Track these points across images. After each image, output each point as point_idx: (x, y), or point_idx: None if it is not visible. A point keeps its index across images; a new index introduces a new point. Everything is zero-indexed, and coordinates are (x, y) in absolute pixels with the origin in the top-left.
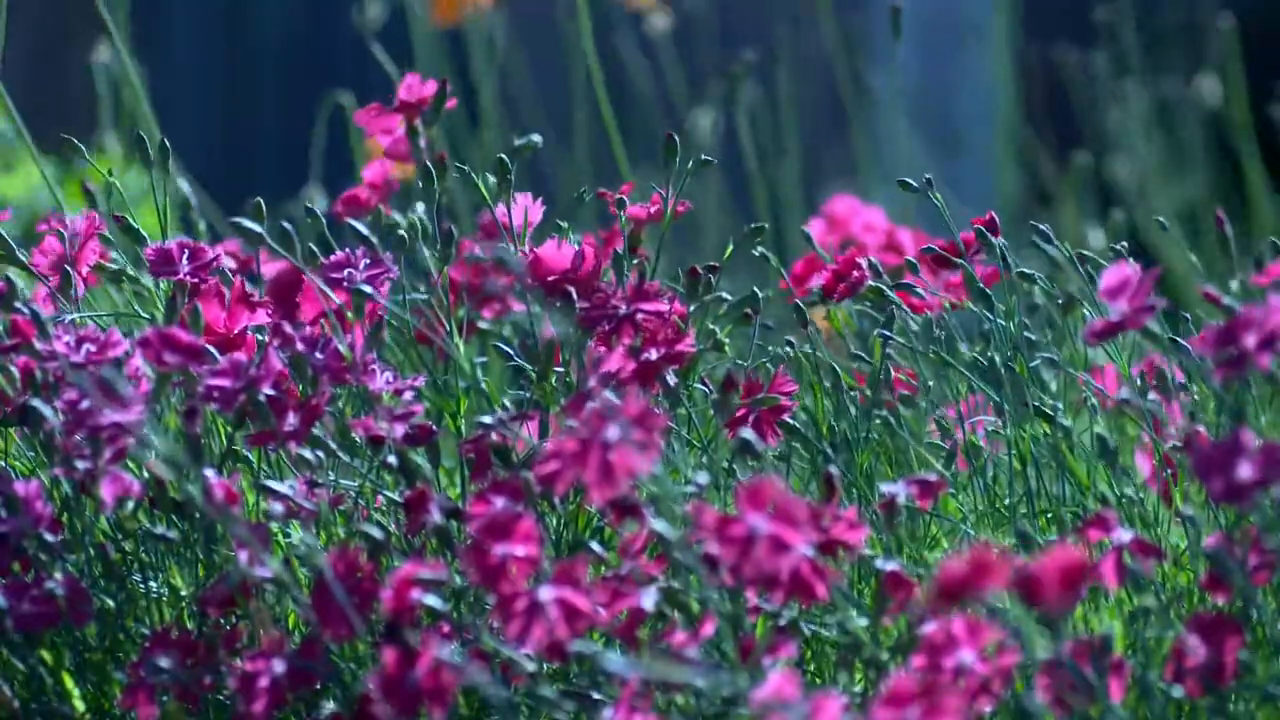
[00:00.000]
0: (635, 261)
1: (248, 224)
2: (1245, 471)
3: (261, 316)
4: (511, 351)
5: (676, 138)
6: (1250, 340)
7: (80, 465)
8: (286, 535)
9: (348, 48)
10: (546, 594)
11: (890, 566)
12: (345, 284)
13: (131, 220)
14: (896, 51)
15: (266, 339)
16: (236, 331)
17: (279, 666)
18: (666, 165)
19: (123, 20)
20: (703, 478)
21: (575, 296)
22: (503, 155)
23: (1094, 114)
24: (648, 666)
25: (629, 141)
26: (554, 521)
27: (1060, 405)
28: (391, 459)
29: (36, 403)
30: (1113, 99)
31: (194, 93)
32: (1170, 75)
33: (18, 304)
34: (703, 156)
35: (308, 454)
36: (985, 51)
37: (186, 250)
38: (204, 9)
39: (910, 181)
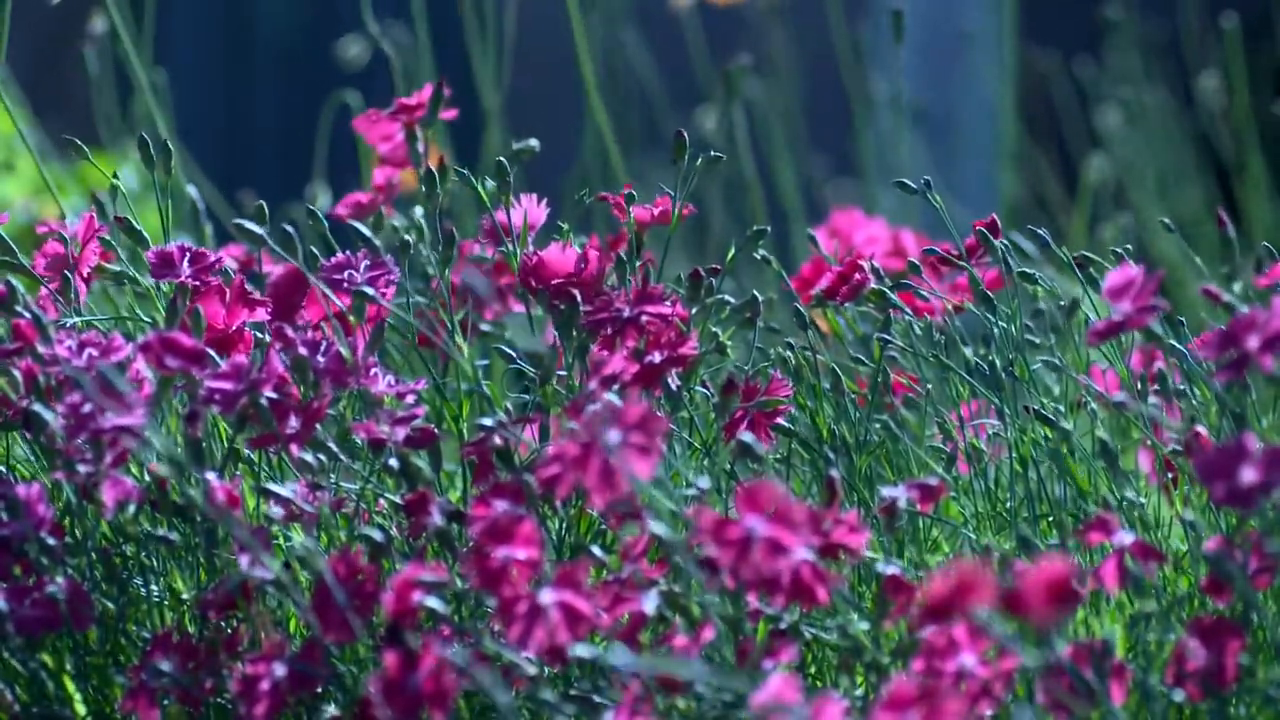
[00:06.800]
0: (639, 264)
1: (250, 226)
2: (1248, 475)
3: (261, 314)
4: (514, 354)
5: (685, 135)
6: (1253, 342)
7: (82, 469)
8: (288, 539)
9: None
10: (548, 597)
11: (891, 570)
12: (346, 285)
13: (134, 222)
14: (896, 54)
15: (268, 340)
16: (235, 327)
17: (280, 670)
18: (675, 164)
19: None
20: (704, 481)
21: (579, 299)
22: (502, 159)
23: (1091, 119)
24: (654, 664)
25: (635, 140)
26: (555, 525)
27: (1062, 408)
28: (393, 462)
29: (38, 407)
30: (1110, 105)
31: (195, 92)
32: (1169, 80)
33: (19, 308)
34: (712, 153)
35: (309, 457)
36: (986, 57)
37: (188, 253)
38: (204, 9)
39: (909, 183)
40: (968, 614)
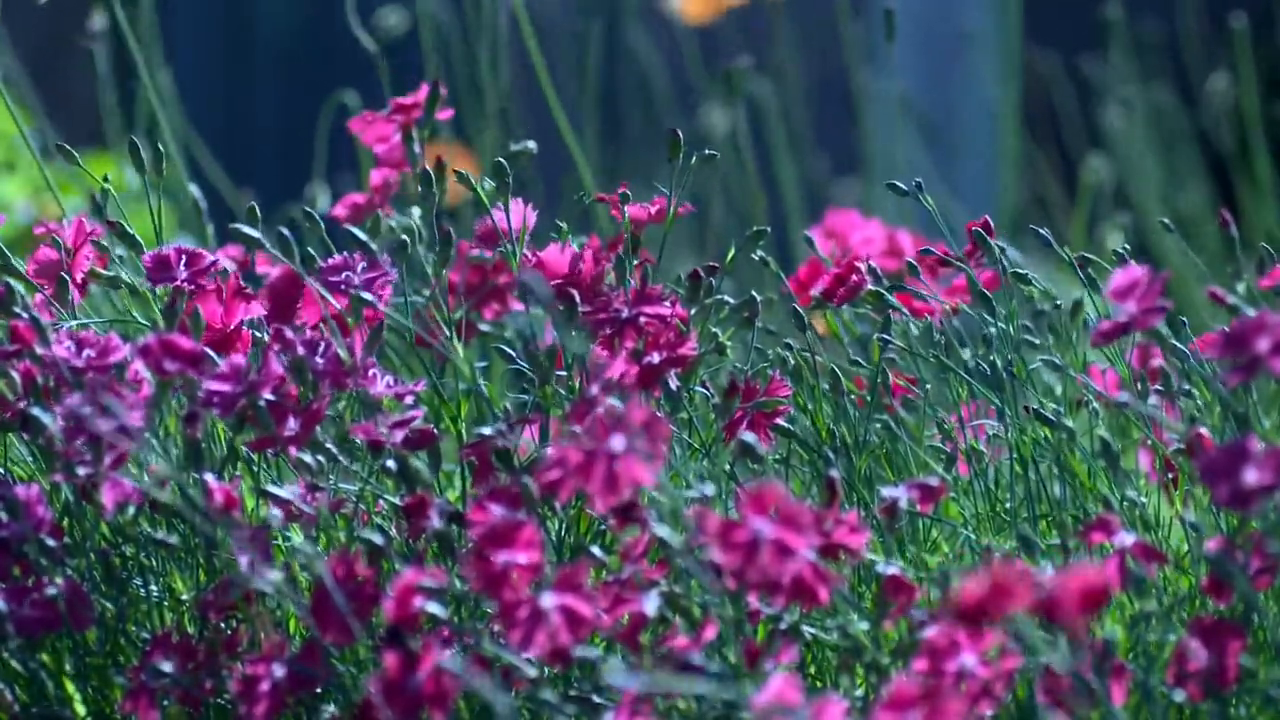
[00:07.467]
0: (638, 264)
1: (246, 230)
2: (1250, 476)
3: (257, 309)
4: (513, 355)
5: (679, 134)
6: (1263, 345)
7: (81, 471)
8: (287, 539)
9: (349, 44)
10: (549, 600)
11: (891, 570)
12: (343, 288)
13: (127, 225)
14: (892, 54)
15: (266, 341)
16: (233, 326)
17: (280, 670)
18: (670, 162)
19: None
20: (708, 487)
21: (578, 300)
22: (500, 160)
23: (1092, 119)
24: (650, 679)
25: (637, 139)
26: (555, 526)
27: (1062, 408)
28: (391, 464)
29: (36, 410)
30: (1111, 105)
31: (195, 92)
32: (1169, 81)
33: (17, 309)
34: (707, 151)
35: (308, 458)
36: (987, 57)
37: (184, 256)
38: (204, 9)
39: (900, 185)
40: (1003, 619)
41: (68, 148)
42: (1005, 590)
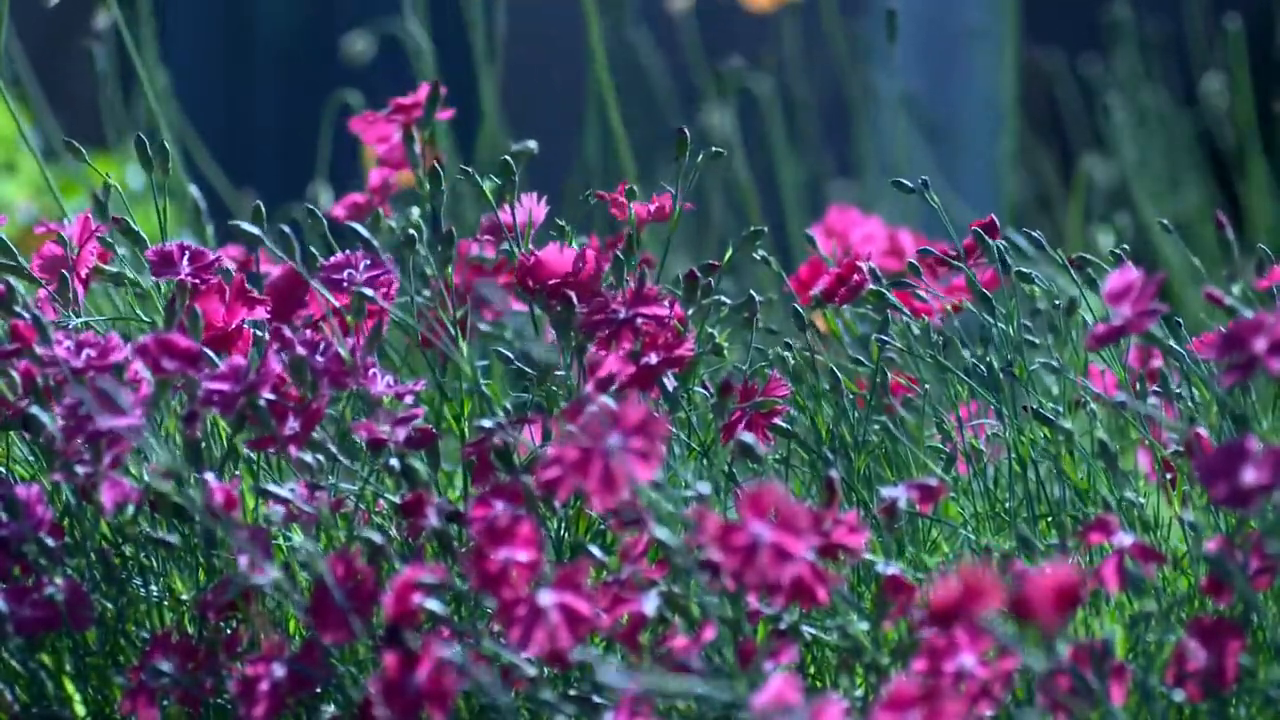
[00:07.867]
0: (636, 264)
1: (247, 227)
2: (1249, 476)
3: (260, 312)
4: (511, 355)
5: (687, 132)
6: (1259, 345)
7: (80, 470)
8: (287, 539)
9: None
10: (548, 599)
11: (891, 570)
12: (345, 286)
13: (131, 222)
14: (894, 54)
15: (266, 339)
16: (234, 325)
17: (279, 670)
18: (676, 161)
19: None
20: (704, 486)
21: (576, 300)
22: (506, 157)
23: (1093, 118)
24: (645, 679)
25: (638, 136)
26: (554, 525)
27: (1061, 409)
28: (393, 462)
29: (35, 410)
30: (1111, 104)
31: (195, 92)
32: (1171, 80)
33: (17, 308)
34: (714, 149)
35: (308, 457)
36: (988, 55)
37: (187, 252)
38: (204, 9)
39: (905, 183)
40: (974, 620)
41: (76, 145)
42: (977, 591)
